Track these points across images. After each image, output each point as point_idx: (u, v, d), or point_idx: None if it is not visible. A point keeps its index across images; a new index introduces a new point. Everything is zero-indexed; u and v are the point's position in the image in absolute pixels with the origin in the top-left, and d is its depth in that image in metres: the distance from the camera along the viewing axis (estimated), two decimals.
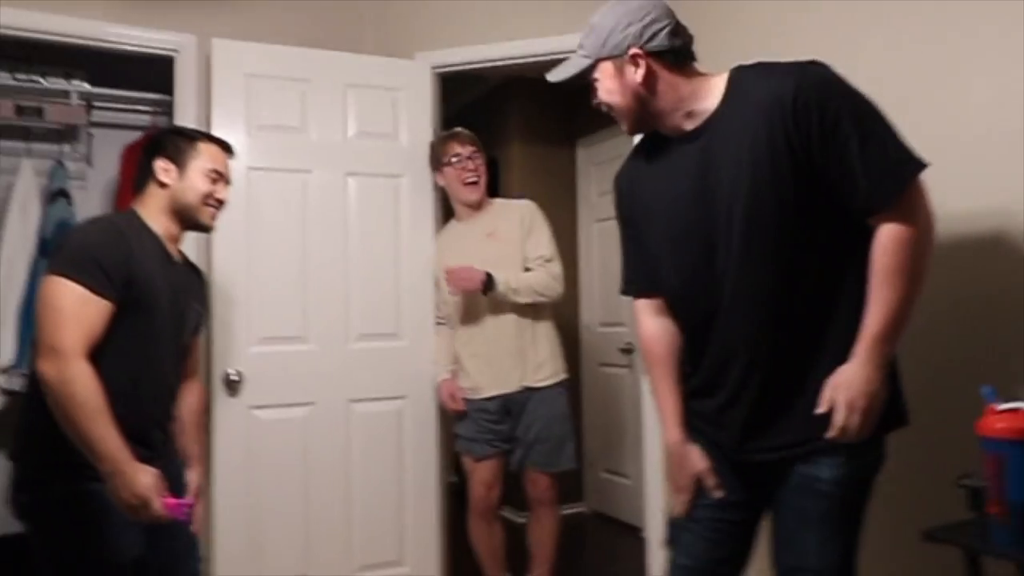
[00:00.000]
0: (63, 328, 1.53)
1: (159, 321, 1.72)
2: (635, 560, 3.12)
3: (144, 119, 3.24)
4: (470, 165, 2.70)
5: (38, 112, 3.02)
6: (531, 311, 2.64)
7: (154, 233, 1.77)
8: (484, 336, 2.64)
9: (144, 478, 1.55)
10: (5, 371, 2.80)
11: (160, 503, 1.56)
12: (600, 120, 4.08)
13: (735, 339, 1.41)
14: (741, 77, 1.40)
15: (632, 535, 3.70)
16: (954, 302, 1.80)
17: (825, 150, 1.30)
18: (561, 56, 2.69)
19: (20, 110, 2.99)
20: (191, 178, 1.79)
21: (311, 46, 2.77)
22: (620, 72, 1.41)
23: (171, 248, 1.81)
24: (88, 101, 3.12)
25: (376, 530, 2.72)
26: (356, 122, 2.77)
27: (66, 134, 3.19)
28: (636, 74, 1.40)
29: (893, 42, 1.95)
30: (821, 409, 1.31)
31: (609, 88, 1.44)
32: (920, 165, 1.33)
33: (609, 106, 1.47)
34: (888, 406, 1.36)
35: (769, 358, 1.39)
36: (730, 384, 1.44)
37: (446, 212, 2.96)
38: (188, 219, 1.82)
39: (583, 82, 1.51)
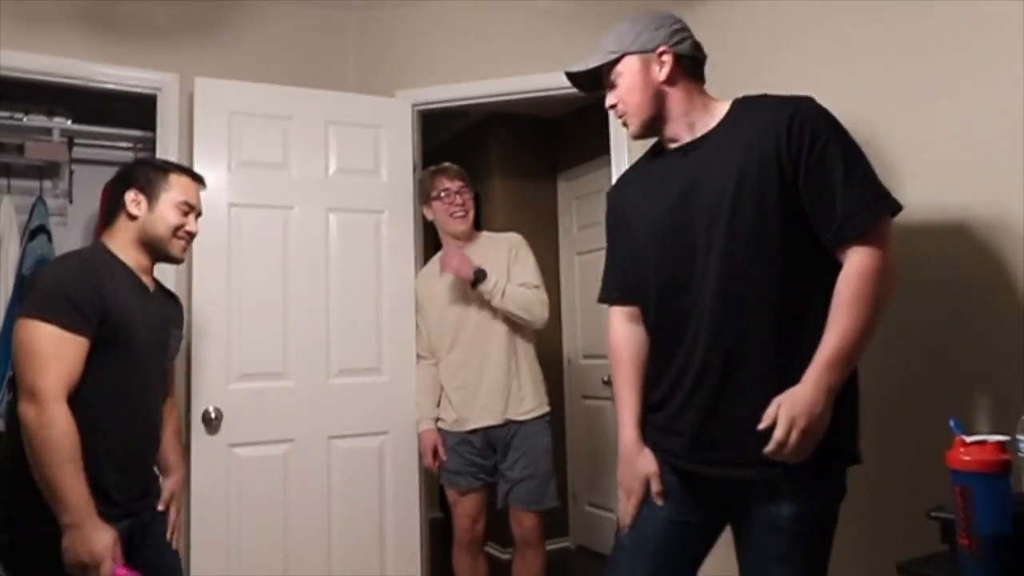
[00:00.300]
0: (42, 371, 1.53)
1: (138, 352, 1.72)
2: None
3: (126, 155, 3.24)
4: (458, 200, 2.72)
5: (19, 149, 3.03)
6: (515, 342, 2.64)
7: (125, 265, 1.76)
8: (469, 368, 2.63)
9: (103, 537, 1.51)
10: None
11: (110, 568, 1.51)
12: (581, 154, 4.18)
13: (696, 344, 1.45)
14: (742, 104, 1.50)
15: None
16: (925, 335, 1.84)
17: (810, 173, 1.37)
18: (542, 93, 2.80)
19: (0, 147, 3.00)
20: (161, 210, 1.78)
21: (293, 84, 2.81)
22: (646, 68, 1.50)
23: (145, 279, 1.81)
24: (70, 138, 3.13)
25: (358, 568, 2.68)
26: (337, 159, 2.80)
27: (47, 170, 3.20)
28: (661, 72, 1.49)
29: (877, 69, 2.01)
30: (763, 424, 1.33)
31: (630, 84, 1.51)
32: (895, 205, 1.39)
33: (625, 104, 1.53)
34: (843, 441, 1.39)
35: (724, 366, 1.42)
36: (685, 388, 1.47)
37: (428, 247, 2.98)
38: (157, 251, 1.81)
39: (594, 91, 1.59)
